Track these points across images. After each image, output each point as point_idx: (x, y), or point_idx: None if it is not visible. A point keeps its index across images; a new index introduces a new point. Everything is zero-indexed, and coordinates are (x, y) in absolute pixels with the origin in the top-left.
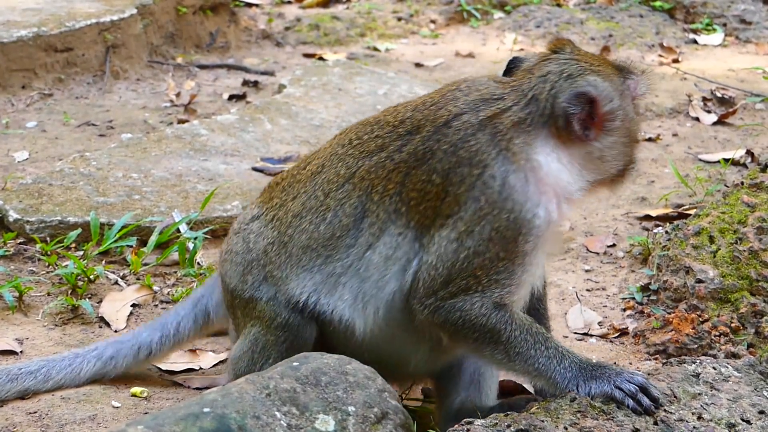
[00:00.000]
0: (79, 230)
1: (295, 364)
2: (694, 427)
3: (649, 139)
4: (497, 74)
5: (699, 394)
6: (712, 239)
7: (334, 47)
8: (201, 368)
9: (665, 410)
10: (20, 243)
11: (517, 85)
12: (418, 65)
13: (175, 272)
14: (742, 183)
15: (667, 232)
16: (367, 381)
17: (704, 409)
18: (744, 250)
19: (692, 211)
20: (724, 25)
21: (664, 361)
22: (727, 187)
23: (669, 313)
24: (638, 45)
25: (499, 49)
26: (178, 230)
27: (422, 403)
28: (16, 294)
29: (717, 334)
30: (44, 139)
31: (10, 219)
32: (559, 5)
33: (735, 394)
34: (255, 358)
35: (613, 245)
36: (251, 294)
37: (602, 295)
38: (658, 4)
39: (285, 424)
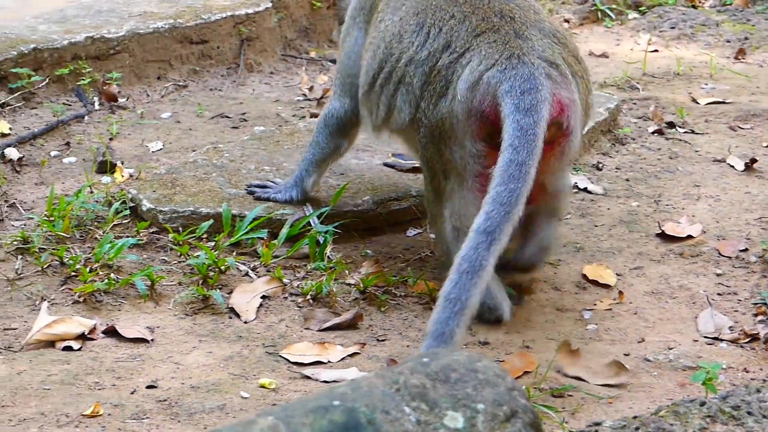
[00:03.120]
0: (211, 221)
1: (425, 360)
2: None
3: None
4: (631, 74)
5: None
6: None
7: None
8: (329, 361)
9: None
10: (153, 232)
11: None
12: None
13: (305, 265)
14: None
15: None
16: (497, 379)
17: None
18: None
19: None
20: None
21: None
22: None
23: None
24: None
25: (633, 49)
26: (309, 223)
27: None
28: (148, 283)
29: None
30: (178, 129)
31: (144, 208)
32: (694, 6)
33: None
34: None
35: (746, 250)
36: None
37: (733, 299)
38: None
39: (414, 420)
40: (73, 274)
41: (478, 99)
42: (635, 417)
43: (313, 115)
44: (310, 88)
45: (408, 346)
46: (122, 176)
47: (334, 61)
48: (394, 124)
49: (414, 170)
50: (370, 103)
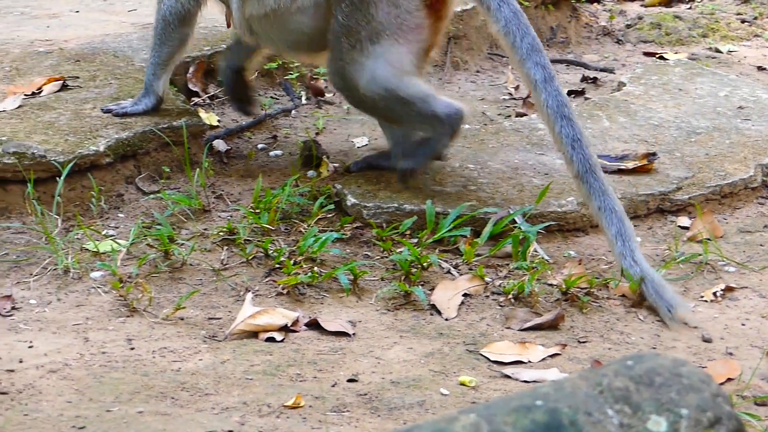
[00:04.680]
0: (415, 218)
1: (629, 363)
2: None
3: None
4: None
5: None
6: None
7: (674, 47)
8: (529, 361)
9: None
10: (356, 227)
11: None
12: (760, 68)
13: (507, 264)
14: None
15: None
16: (701, 384)
17: None
18: None
19: None
20: None
21: None
22: None
23: None
24: None
25: None
26: (512, 223)
27: None
28: (351, 277)
29: None
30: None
31: (348, 203)
32: None
33: None
34: None
35: None
36: None
37: None
38: None
39: (617, 422)
40: (278, 266)
41: None
42: None
43: (519, 114)
44: (516, 87)
45: (609, 349)
46: (327, 171)
47: None
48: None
49: (620, 172)
50: None
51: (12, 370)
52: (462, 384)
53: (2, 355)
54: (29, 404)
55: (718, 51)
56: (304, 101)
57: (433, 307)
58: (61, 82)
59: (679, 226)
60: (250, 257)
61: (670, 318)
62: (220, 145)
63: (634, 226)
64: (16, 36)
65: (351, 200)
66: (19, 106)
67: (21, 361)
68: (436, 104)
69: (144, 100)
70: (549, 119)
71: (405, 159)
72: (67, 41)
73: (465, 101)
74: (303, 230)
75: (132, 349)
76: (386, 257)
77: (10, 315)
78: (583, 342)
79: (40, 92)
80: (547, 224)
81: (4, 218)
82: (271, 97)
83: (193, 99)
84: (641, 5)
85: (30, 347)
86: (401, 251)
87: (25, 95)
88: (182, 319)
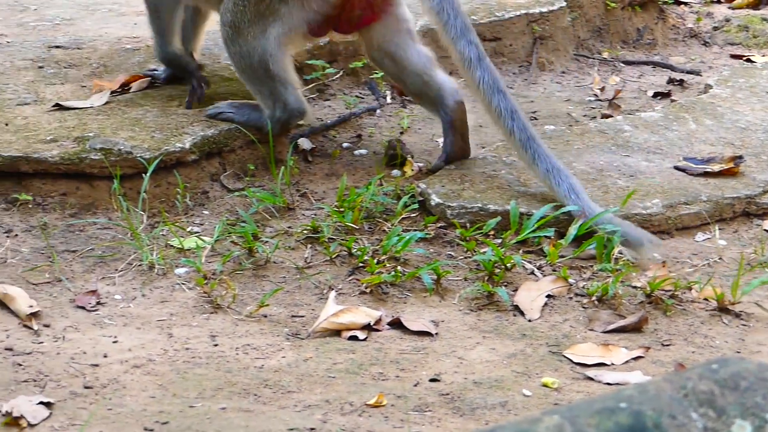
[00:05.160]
0: (499, 218)
1: (714, 366)
2: None
3: None
4: None
5: None
6: None
7: (762, 49)
8: (613, 363)
9: None
10: (440, 227)
11: None
12: None
13: (591, 266)
14: None
15: None
16: None
17: None
18: None
19: None
20: None
21: None
22: None
23: None
24: None
25: None
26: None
27: None
28: (434, 277)
29: None
30: (469, 125)
31: (432, 203)
32: None
33: None
34: None
35: None
36: None
37: None
38: None
39: (701, 426)
40: (361, 265)
41: None
42: None
43: (604, 116)
44: (602, 89)
45: (693, 352)
46: (412, 170)
47: (627, 62)
48: None
49: (705, 174)
50: None
51: (96, 365)
52: (544, 385)
53: (87, 349)
54: (113, 399)
55: None
56: (389, 100)
57: (516, 307)
58: (149, 78)
59: (765, 230)
60: (333, 256)
61: (642, 252)
62: (304, 143)
63: (720, 229)
64: (103, 33)
65: (435, 200)
66: (106, 103)
67: (105, 356)
68: (291, 94)
69: (166, 72)
70: (485, 95)
71: (230, 107)
72: None
73: (550, 102)
74: (387, 229)
75: (215, 345)
76: (470, 257)
77: (96, 310)
78: (667, 345)
79: (128, 89)
80: None
81: (90, 214)
82: (356, 96)
83: None
84: (728, 7)
85: (114, 342)
86: (485, 251)
87: (113, 92)
88: (265, 316)
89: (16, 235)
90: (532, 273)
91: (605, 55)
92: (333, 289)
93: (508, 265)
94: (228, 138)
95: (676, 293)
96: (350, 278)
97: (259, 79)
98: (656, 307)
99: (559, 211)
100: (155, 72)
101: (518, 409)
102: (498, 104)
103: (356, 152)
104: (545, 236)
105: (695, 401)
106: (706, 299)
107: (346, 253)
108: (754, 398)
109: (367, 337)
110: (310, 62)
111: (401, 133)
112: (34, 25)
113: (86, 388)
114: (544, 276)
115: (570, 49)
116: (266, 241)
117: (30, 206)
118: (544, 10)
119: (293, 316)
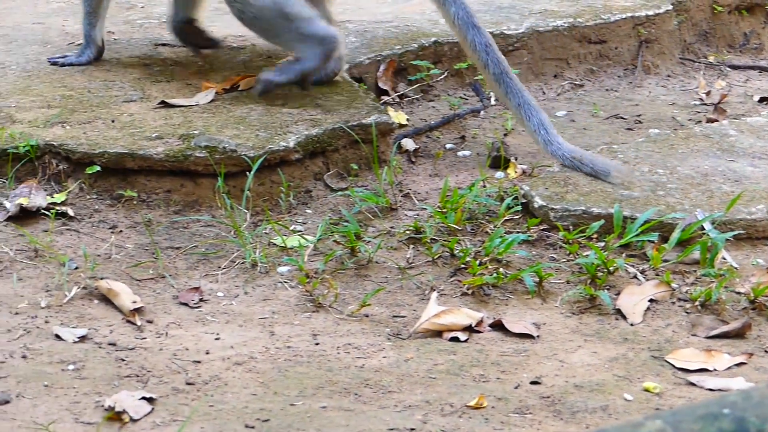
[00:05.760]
0: (602, 221)
1: None
2: None
3: None
4: None
5: None
6: None
7: None
8: (715, 369)
9: None
10: (543, 230)
11: None
12: None
13: (695, 271)
14: None
15: None
16: None
17: None
18: None
19: None
20: None
21: None
22: None
23: None
24: None
25: None
26: (700, 229)
27: None
28: (537, 279)
29: None
30: (572, 128)
31: (535, 205)
32: None
33: None
34: None
35: None
36: None
37: None
38: None
39: None
40: (463, 266)
41: None
42: None
43: (709, 120)
44: (708, 93)
45: None
46: (515, 172)
47: (733, 67)
48: None
49: None
50: None
51: (199, 362)
52: (646, 390)
53: (189, 346)
54: (215, 395)
55: None
56: (493, 102)
57: (619, 311)
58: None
59: None
60: (435, 256)
61: (611, 180)
62: (408, 143)
63: None
64: (208, 31)
65: (538, 202)
66: (212, 101)
67: (208, 353)
68: (316, 25)
69: (86, 52)
70: (461, 30)
71: (269, 75)
72: None
73: (655, 106)
74: (489, 231)
75: (317, 344)
76: (572, 260)
77: (198, 307)
78: None
79: (237, 87)
80: (736, 232)
81: (194, 211)
82: (460, 97)
83: (382, 97)
84: None
85: (217, 339)
86: (588, 255)
87: (224, 90)
88: (367, 316)
89: (121, 231)
90: (635, 277)
91: (711, 59)
92: (435, 289)
93: (610, 268)
94: (332, 137)
95: None
96: (452, 279)
97: (283, 29)
98: (760, 314)
99: (664, 216)
100: (68, 58)
101: (619, 413)
102: (473, 38)
103: (459, 153)
104: (648, 240)
105: None
106: None
107: (448, 254)
108: None
109: (468, 339)
110: (414, 63)
111: (505, 134)
112: (141, 22)
113: (188, 384)
114: (647, 280)
115: (676, 52)
116: (369, 241)
117: (135, 203)
118: (651, 13)
119: (395, 317)
